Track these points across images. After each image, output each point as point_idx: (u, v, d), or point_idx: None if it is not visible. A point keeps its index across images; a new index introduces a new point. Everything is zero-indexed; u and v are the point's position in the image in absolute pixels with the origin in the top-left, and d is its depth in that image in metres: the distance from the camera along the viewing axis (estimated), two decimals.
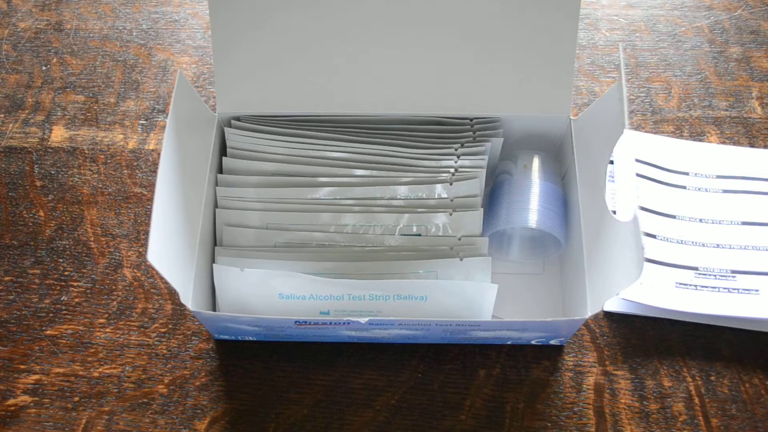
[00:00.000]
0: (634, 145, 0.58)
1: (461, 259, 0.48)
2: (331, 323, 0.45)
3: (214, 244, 0.50)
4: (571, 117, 0.51)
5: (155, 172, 0.58)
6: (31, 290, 0.53)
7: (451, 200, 0.50)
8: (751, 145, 0.59)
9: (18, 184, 0.58)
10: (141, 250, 0.55)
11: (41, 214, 0.57)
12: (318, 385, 0.49)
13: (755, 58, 0.64)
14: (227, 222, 0.50)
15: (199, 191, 0.49)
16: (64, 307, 0.53)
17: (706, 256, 0.53)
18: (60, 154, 0.60)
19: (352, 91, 0.51)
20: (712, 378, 0.49)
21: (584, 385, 0.49)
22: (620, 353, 0.50)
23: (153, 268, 0.40)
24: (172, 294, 0.53)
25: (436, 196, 0.50)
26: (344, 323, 0.44)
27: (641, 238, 0.39)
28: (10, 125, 0.61)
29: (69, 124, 0.61)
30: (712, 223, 0.54)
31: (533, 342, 0.50)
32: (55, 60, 0.65)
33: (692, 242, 0.53)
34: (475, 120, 0.53)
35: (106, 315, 0.52)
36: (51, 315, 0.52)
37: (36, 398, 0.49)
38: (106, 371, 0.50)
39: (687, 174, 0.57)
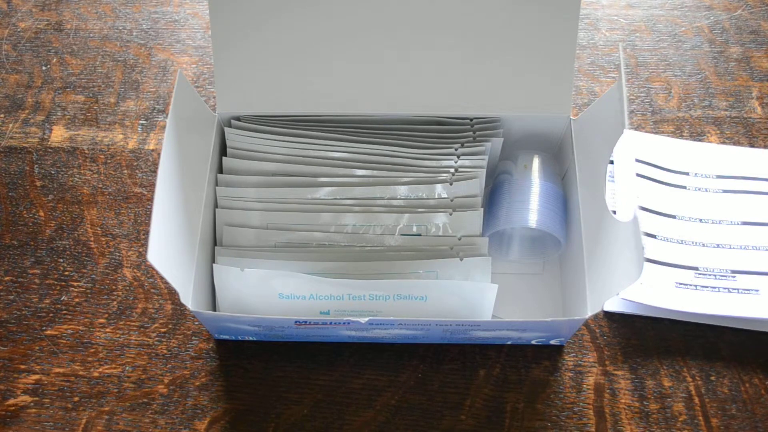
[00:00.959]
0: (634, 145, 0.58)
1: (461, 259, 0.48)
2: (331, 323, 0.45)
3: (214, 244, 0.50)
4: (571, 117, 0.51)
5: (155, 172, 0.58)
6: (31, 290, 0.53)
7: (451, 200, 0.50)
8: (751, 145, 0.59)
9: (18, 184, 0.58)
10: (141, 250, 0.55)
11: (41, 214, 0.57)
12: (318, 385, 0.49)
13: (755, 58, 0.64)
14: (227, 222, 0.50)
15: (199, 191, 0.49)
16: (64, 307, 0.53)
17: (706, 256, 0.53)
18: (60, 154, 0.60)
19: (352, 91, 0.51)
20: (712, 378, 0.49)
21: (584, 385, 0.49)
22: (620, 353, 0.50)
23: (153, 268, 0.40)
24: (172, 294, 0.53)
25: (436, 196, 0.50)
26: (344, 323, 0.44)
27: (641, 238, 0.39)
28: (10, 125, 0.61)
29: (69, 124, 0.61)
30: (712, 223, 0.54)
31: (533, 342, 0.50)
32: (55, 60, 0.65)
33: (692, 242, 0.53)
34: (475, 120, 0.53)
35: (106, 315, 0.52)
36: (51, 315, 0.52)
37: (36, 398, 0.49)
38: (106, 371, 0.50)
39: (687, 174, 0.57)
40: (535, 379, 0.49)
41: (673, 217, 0.55)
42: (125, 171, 0.59)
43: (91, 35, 0.67)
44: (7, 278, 0.54)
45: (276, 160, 0.51)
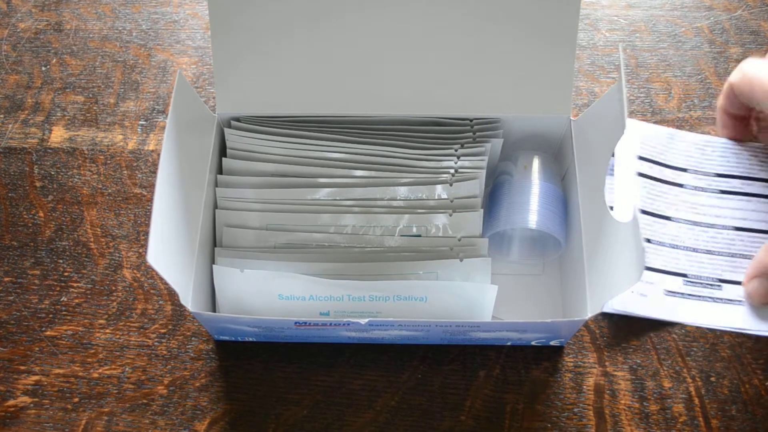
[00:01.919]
0: (635, 137, 0.57)
1: (461, 260, 0.48)
2: (330, 324, 0.45)
3: (214, 244, 0.50)
4: (571, 117, 0.51)
5: (155, 172, 0.58)
6: (31, 291, 0.53)
7: (451, 201, 0.50)
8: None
9: (18, 185, 0.58)
10: (141, 250, 0.55)
11: (41, 214, 0.57)
12: (318, 386, 0.49)
13: None
14: (227, 223, 0.50)
15: (198, 192, 0.49)
16: (63, 308, 0.53)
17: (696, 263, 0.53)
18: (60, 155, 0.60)
19: (352, 92, 0.51)
20: (712, 379, 0.49)
21: (584, 386, 0.49)
22: (620, 354, 0.50)
23: (153, 269, 0.40)
24: (172, 295, 0.53)
25: (436, 197, 0.50)
26: (344, 324, 0.44)
27: (641, 239, 0.39)
28: (10, 125, 0.61)
29: (69, 125, 0.61)
30: (706, 227, 0.54)
31: (533, 343, 0.50)
32: (54, 60, 0.65)
33: (684, 246, 0.53)
34: (474, 120, 0.53)
35: (106, 316, 0.52)
36: (51, 316, 0.52)
37: (36, 399, 0.49)
38: (106, 372, 0.50)
39: (686, 170, 0.57)
40: (535, 380, 0.49)
41: (668, 218, 0.54)
42: (125, 172, 0.59)
43: (91, 36, 0.67)
44: (6, 279, 0.54)
45: (276, 161, 0.51)
